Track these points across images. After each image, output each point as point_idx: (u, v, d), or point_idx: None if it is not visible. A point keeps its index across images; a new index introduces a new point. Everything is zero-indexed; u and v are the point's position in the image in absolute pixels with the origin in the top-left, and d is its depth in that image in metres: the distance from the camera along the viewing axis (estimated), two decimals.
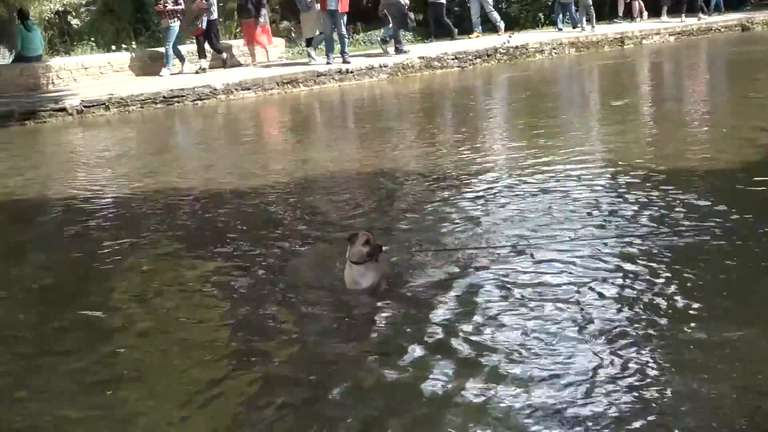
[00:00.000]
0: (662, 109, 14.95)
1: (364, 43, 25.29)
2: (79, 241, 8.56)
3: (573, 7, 27.35)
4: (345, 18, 21.85)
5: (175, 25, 21.48)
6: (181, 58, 22.14)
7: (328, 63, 21.30)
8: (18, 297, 6.98)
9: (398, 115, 16.39)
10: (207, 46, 22.07)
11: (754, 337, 5.16)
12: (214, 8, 22.02)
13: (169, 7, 21.40)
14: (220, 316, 6.23)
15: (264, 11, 22.76)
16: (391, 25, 23.42)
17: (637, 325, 5.44)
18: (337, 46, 21.76)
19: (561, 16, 27.58)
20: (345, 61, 21.28)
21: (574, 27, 27.33)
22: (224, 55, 22.44)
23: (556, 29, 27.28)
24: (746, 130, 11.92)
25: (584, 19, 27.21)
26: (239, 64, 23.02)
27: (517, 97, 18.13)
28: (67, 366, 5.44)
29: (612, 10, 29.43)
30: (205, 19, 21.62)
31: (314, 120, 16.50)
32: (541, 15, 28.65)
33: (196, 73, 21.37)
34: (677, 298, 5.85)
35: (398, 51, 23.03)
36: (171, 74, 21.39)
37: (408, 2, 23.32)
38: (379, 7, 23.76)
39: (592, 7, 27.14)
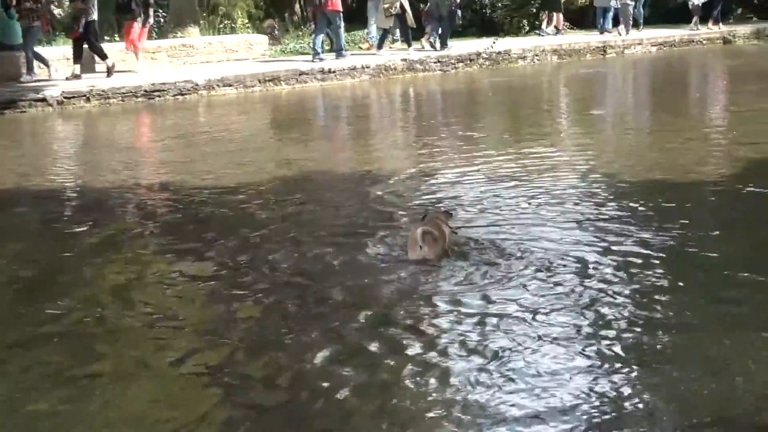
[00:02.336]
0: (642, 120, 15.04)
1: (348, 43, 25.28)
2: (54, 233, 8.56)
3: (611, 13, 28.13)
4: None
5: (36, 25, 19.52)
6: (44, 62, 19.75)
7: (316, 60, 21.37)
8: None
9: (379, 116, 16.42)
10: (95, 52, 20.06)
11: (721, 341, 5.26)
12: (94, 8, 19.59)
13: (27, 5, 19.38)
14: (197, 314, 6.23)
15: (151, 11, 20.94)
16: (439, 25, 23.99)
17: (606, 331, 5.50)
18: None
19: (602, 20, 28.50)
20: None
21: (606, 31, 28.24)
22: (109, 61, 19.70)
23: (599, 32, 28.34)
24: (726, 143, 12.02)
25: (621, 25, 28.30)
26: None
27: (498, 103, 18.19)
28: (39, 360, 5.43)
29: (593, 20, 29.52)
30: (83, 20, 19.21)
31: (295, 119, 16.49)
32: (524, 21, 28.74)
33: (67, 79, 19.30)
34: (647, 304, 5.91)
35: (443, 46, 23.72)
36: (33, 80, 19.32)
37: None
38: (429, 7, 24.31)
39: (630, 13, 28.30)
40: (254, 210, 9.12)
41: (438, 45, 23.82)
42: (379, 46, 23.34)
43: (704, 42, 28.73)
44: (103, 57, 19.76)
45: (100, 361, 5.43)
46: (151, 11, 20.71)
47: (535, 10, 28.79)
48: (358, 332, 5.73)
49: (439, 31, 23.92)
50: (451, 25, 24.17)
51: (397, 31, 24.35)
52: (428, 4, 24.26)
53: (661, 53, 27.00)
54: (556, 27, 28.23)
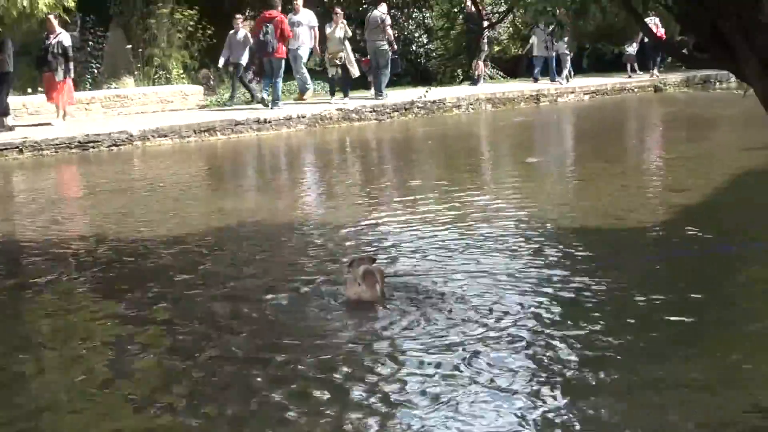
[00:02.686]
0: (576, 167, 15.24)
1: (284, 93, 25.32)
2: None
3: (554, 61, 28.42)
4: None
5: None
6: None
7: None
8: None
9: (315, 166, 16.47)
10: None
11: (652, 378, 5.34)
12: (10, 60, 18.72)
13: None
14: (126, 363, 6.22)
15: (71, 64, 19.96)
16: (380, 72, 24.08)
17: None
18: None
19: (538, 69, 28.80)
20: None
21: (552, 80, 28.55)
22: (8, 120, 18.85)
23: (533, 80, 28.60)
24: (658, 189, 12.22)
25: (564, 72, 28.83)
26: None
27: (432, 151, 18.32)
28: None
29: (527, 69, 29.88)
30: None
31: (231, 169, 16.47)
32: (459, 71, 28.99)
33: None
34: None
35: (379, 96, 23.85)
36: None
37: (395, 47, 24.47)
38: (369, 57, 24.47)
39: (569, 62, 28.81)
40: (189, 260, 9.11)
41: (374, 93, 24.01)
42: (332, 94, 23.53)
43: (636, 90, 29.19)
44: (5, 113, 18.95)
45: (27, 410, 5.39)
46: (71, 64, 19.94)
47: (467, 60, 29.02)
48: (302, 378, 5.77)
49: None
50: (393, 69, 24.37)
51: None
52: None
53: (593, 101, 27.37)
54: (478, 75, 27.84)
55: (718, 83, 30.22)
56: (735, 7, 6.07)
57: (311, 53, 23.46)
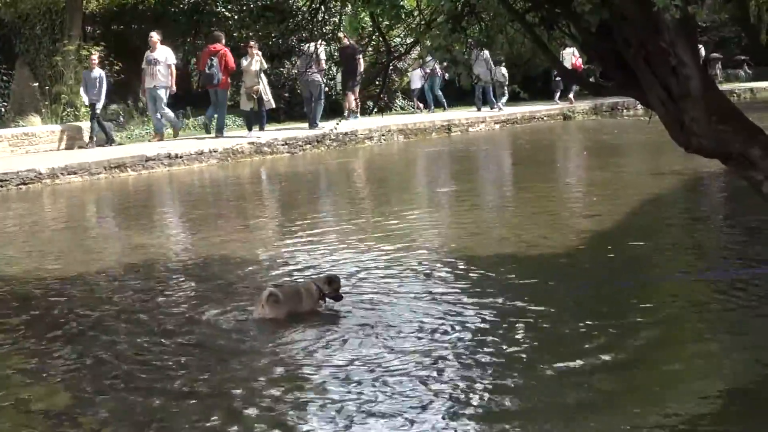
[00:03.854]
0: (489, 196, 15.42)
1: (194, 128, 25.24)
2: None
3: (491, 88, 29.03)
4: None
5: None
6: None
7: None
8: None
9: (227, 200, 16.43)
10: None
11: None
12: None
13: None
14: (39, 410, 6.18)
15: None
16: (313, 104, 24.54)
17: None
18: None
19: (482, 97, 29.83)
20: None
21: (489, 107, 29.67)
22: None
23: (477, 109, 29.71)
24: (568, 216, 12.43)
25: (501, 99, 29.88)
26: None
27: (347, 184, 18.42)
28: None
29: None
30: None
31: (142, 205, 16.35)
32: (370, 103, 29.17)
33: None
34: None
35: (314, 126, 24.29)
36: None
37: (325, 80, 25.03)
38: (301, 87, 25.28)
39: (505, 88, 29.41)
40: (103, 297, 9.04)
41: (310, 123, 24.48)
42: (249, 128, 23.74)
43: (545, 118, 29.65)
44: None
45: None
46: None
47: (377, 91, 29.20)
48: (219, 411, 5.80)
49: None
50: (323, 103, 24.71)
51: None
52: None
53: (504, 130, 27.73)
54: (349, 109, 26.36)
55: (625, 110, 30.87)
56: (637, 35, 6.26)
57: (168, 91, 23.01)
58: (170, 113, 23.42)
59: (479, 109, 29.55)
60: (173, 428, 5.67)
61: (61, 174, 18.91)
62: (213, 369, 6.66)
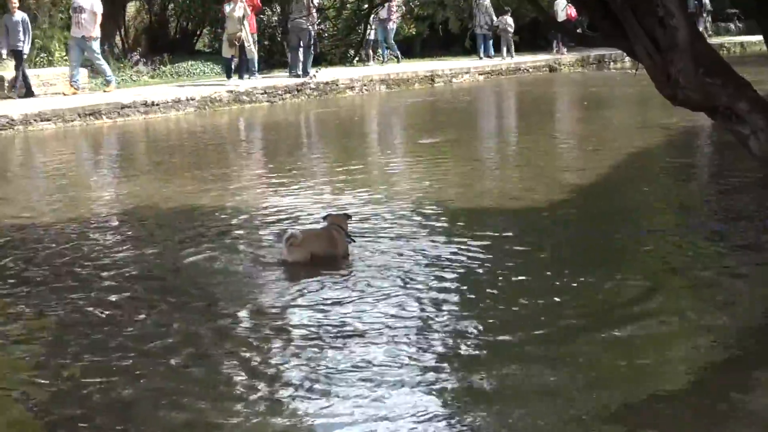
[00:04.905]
0: (472, 148, 15.40)
1: (172, 75, 25.08)
2: None
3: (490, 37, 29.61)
4: None
5: None
6: None
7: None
8: None
9: (205, 149, 16.36)
10: None
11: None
12: None
13: None
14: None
15: None
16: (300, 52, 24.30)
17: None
18: None
19: (482, 46, 30.11)
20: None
21: (487, 57, 30.03)
22: None
23: (478, 57, 29.88)
24: (551, 169, 12.44)
25: (504, 48, 30.03)
26: None
27: (328, 134, 18.38)
28: None
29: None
30: None
31: (118, 153, 16.26)
32: (351, 51, 29.00)
33: None
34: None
35: (305, 74, 24.02)
36: None
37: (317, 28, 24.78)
38: (288, 37, 25.17)
39: (511, 37, 29.87)
40: (81, 248, 9.00)
41: (301, 73, 24.05)
42: (229, 75, 23.51)
43: (530, 70, 29.60)
44: None
45: None
46: None
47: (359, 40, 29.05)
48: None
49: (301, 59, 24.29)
50: (314, 50, 24.41)
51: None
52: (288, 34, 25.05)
53: (489, 81, 27.67)
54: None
55: (612, 63, 30.83)
56: None
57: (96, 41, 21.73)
58: (105, 65, 22.26)
59: (481, 58, 29.93)
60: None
61: (34, 120, 18.80)
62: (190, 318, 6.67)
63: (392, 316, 6.56)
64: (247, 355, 5.96)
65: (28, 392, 5.52)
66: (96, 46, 21.75)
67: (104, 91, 21.61)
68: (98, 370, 5.80)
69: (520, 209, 10.02)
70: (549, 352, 5.84)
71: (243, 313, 6.82)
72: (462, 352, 5.89)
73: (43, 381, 5.71)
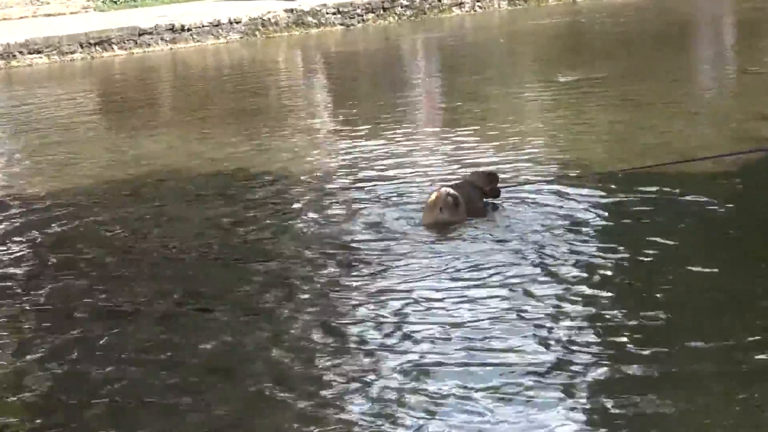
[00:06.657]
0: (624, 88, 15.19)
1: None
2: None
3: None
4: None
5: None
6: None
7: None
8: None
9: (250, 95, 16.38)
10: None
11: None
12: None
13: None
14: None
15: None
16: None
17: None
18: None
19: None
20: None
21: None
22: None
23: None
24: (737, 117, 12.30)
25: None
26: None
27: (425, 70, 18.38)
28: None
29: None
30: None
31: (134, 99, 16.41)
32: None
33: None
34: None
35: None
36: None
37: None
38: None
39: None
40: (87, 226, 9.24)
41: None
42: None
43: None
44: None
45: None
46: None
47: None
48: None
49: None
50: None
51: None
52: None
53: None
54: None
55: None
56: None
57: None
58: None
59: None
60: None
61: (20, 53, 18.99)
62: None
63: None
64: None
65: None
66: None
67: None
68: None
69: (695, 173, 9.93)
70: None
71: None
72: None
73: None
